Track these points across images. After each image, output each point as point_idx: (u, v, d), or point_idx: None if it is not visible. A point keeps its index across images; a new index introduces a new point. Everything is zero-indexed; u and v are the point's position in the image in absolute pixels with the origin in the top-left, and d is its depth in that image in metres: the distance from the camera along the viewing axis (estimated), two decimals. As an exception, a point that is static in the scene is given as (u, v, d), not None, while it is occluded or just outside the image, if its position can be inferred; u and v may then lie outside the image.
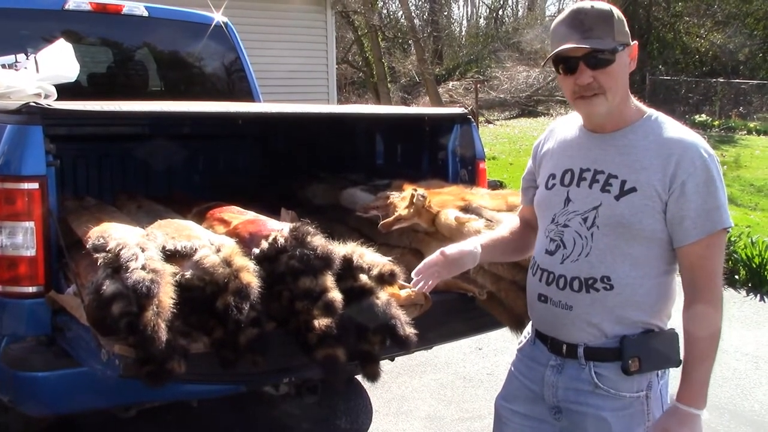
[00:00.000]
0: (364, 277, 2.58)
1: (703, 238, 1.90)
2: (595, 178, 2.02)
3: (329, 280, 2.42)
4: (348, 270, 2.55)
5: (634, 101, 2.06)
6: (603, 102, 1.97)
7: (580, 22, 1.96)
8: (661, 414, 2.01)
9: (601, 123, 2.05)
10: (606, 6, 1.99)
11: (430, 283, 2.28)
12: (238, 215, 2.90)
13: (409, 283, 2.81)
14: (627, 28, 2.00)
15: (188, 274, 2.32)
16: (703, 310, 1.92)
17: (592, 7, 1.98)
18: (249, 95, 5.04)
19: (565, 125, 2.20)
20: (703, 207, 1.90)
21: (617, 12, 1.99)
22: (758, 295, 6.57)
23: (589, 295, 2.00)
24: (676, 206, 1.91)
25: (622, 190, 1.97)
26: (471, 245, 2.28)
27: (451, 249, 2.26)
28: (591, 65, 1.94)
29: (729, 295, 6.56)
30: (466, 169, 3.70)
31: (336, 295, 2.38)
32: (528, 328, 2.29)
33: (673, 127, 1.99)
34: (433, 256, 2.28)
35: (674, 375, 2.09)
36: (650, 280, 1.99)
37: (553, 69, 2.05)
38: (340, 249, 2.55)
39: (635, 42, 2.02)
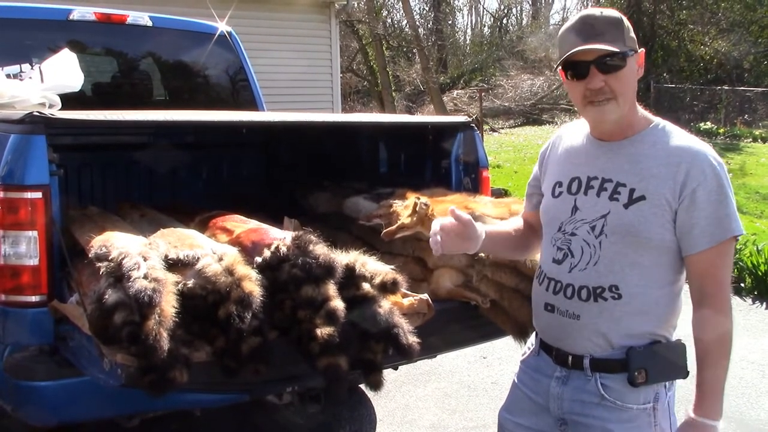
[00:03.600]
0: (366, 286, 2.57)
1: (713, 246, 1.90)
2: (602, 186, 2.01)
3: (331, 288, 2.41)
4: (350, 278, 2.55)
5: (641, 110, 2.05)
6: (615, 108, 1.96)
7: (591, 26, 1.95)
8: (677, 427, 1.99)
9: (609, 130, 2.04)
10: (615, 12, 2.00)
11: (439, 243, 2.15)
12: (240, 224, 2.89)
13: (411, 292, 2.83)
14: (634, 36, 2.00)
15: (190, 283, 2.32)
16: (712, 316, 1.91)
17: (601, 13, 1.99)
18: (253, 104, 5.05)
19: (571, 132, 2.19)
20: (715, 215, 1.89)
21: (625, 19, 2.00)
22: (764, 303, 6.55)
23: (597, 304, 1.99)
24: (686, 215, 1.90)
25: (630, 199, 1.96)
26: (479, 227, 2.20)
27: (462, 213, 2.17)
28: (602, 70, 1.93)
29: (735, 303, 6.52)
30: (470, 178, 3.70)
31: (338, 304, 2.37)
32: (532, 339, 2.28)
33: (680, 136, 1.99)
34: (444, 220, 2.17)
35: (684, 386, 2.07)
36: (658, 290, 1.98)
37: (561, 76, 2.04)
38: (342, 257, 2.55)
39: (642, 49, 2.01)
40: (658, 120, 2.04)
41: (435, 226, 2.19)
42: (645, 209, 1.94)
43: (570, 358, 2.06)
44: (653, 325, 1.99)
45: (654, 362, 1.97)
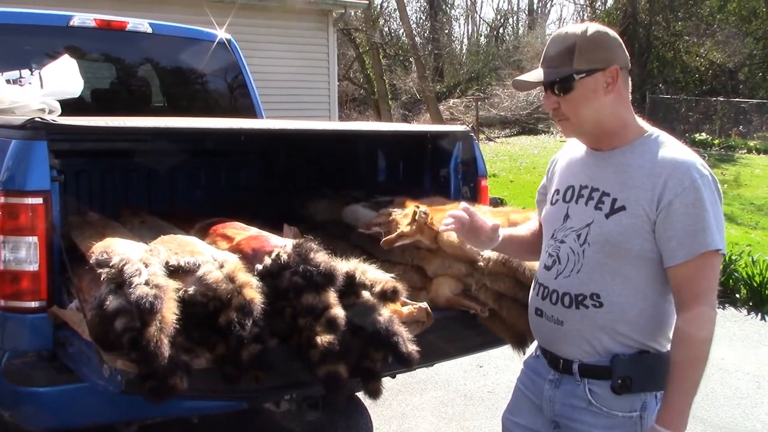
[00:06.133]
0: (366, 294, 2.58)
1: (690, 259, 1.88)
2: (591, 195, 2.03)
3: (332, 296, 2.42)
4: (350, 287, 2.56)
5: (637, 120, 2.05)
6: (569, 127, 2.03)
7: (548, 48, 2.02)
8: None
9: (587, 143, 2.08)
10: (580, 30, 1.98)
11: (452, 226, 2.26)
12: (241, 231, 2.90)
13: (411, 300, 2.83)
14: (604, 53, 1.96)
15: (191, 289, 2.33)
16: (687, 333, 1.89)
17: (565, 33, 2.00)
18: (251, 111, 5.06)
19: (576, 142, 2.20)
20: (691, 228, 1.87)
21: (590, 37, 1.96)
22: (759, 314, 6.55)
23: (579, 311, 2.00)
24: (663, 226, 1.90)
25: (612, 209, 1.97)
26: (496, 227, 2.28)
27: (478, 216, 2.26)
28: (554, 92, 1.99)
29: (730, 313, 6.55)
30: (468, 186, 3.71)
31: (338, 312, 2.38)
32: (535, 342, 2.30)
33: (670, 147, 1.97)
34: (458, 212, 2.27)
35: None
36: (643, 301, 1.97)
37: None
38: (342, 265, 2.56)
39: (613, 66, 1.96)
40: (652, 130, 2.04)
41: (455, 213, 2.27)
42: (624, 220, 1.94)
43: (561, 362, 2.08)
44: (640, 335, 1.99)
45: (638, 371, 1.98)
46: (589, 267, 1.99)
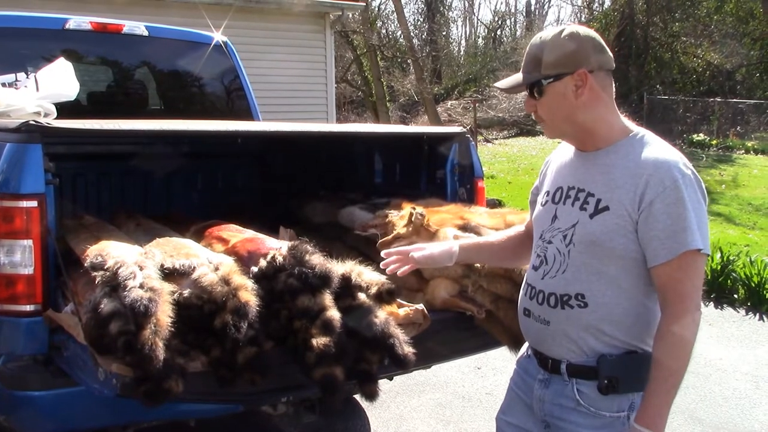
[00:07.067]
0: (362, 296, 2.57)
1: (672, 259, 1.88)
2: (577, 196, 2.04)
3: (328, 298, 2.42)
4: (346, 289, 2.55)
5: (623, 120, 2.06)
6: (546, 128, 2.10)
7: (526, 52, 2.06)
8: None
9: (573, 143, 2.10)
10: (551, 34, 2.00)
11: (405, 269, 2.45)
12: (236, 233, 2.90)
13: (407, 302, 2.83)
14: (572, 58, 1.96)
15: (186, 292, 2.32)
16: (670, 332, 1.89)
17: (539, 38, 2.03)
18: (248, 114, 5.06)
19: (567, 144, 2.21)
20: (672, 228, 1.87)
21: (560, 41, 1.97)
22: (757, 314, 6.55)
23: (564, 311, 2.01)
24: (645, 226, 1.90)
25: (596, 209, 1.98)
26: (448, 245, 2.47)
27: (421, 253, 2.44)
28: (532, 95, 2.04)
29: (728, 314, 6.55)
30: (465, 188, 3.71)
31: (334, 314, 2.38)
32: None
33: (653, 147, 1.97)
34: (410, 248, 2.48)
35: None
36: (628, 300, 1.97)
37: None
38: (338, 267, 2.55)
39: (582, 69, 1.95)
40: (638, 130, 2.04)
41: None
42: (608, 220, 1.95)
43: (550, 362, 2.09)
44: (626, 336, 1.99)
45: (625, 372, 1.97)
46: (574, 267, 2.00)
